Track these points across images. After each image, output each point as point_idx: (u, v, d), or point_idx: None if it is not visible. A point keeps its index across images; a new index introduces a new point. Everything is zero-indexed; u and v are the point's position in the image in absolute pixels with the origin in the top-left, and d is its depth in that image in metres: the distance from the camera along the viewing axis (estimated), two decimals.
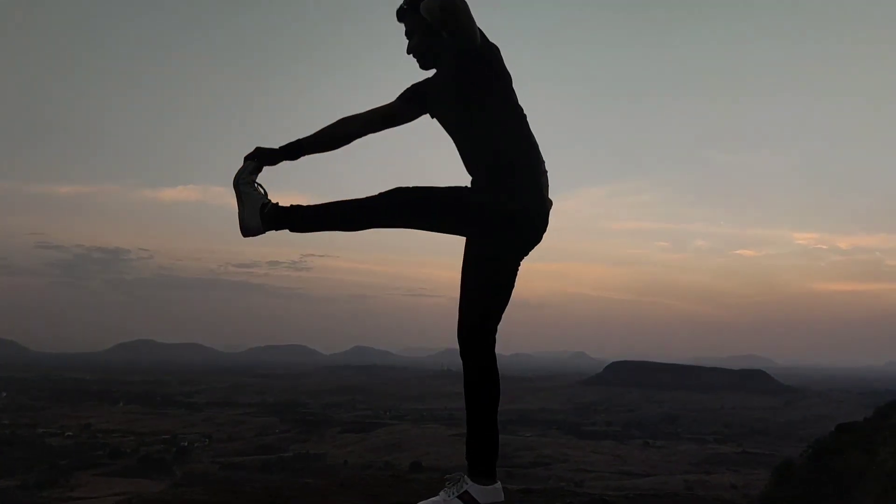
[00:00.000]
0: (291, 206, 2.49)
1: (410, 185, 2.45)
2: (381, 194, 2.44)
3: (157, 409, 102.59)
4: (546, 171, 2.57)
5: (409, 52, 2.57)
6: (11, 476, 54.76)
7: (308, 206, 2.49)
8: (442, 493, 2.41)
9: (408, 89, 2.65)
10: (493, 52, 2.46)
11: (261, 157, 2.54)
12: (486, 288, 2.44)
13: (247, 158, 2.55)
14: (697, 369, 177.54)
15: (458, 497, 2.36)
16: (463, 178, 2.55)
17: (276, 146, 2.57)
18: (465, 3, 2.25)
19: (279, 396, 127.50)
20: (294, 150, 2.57)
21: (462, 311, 2.46)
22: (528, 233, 2.46)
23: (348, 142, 2.62)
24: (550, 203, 2.56)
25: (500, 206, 2.38)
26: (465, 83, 2.47)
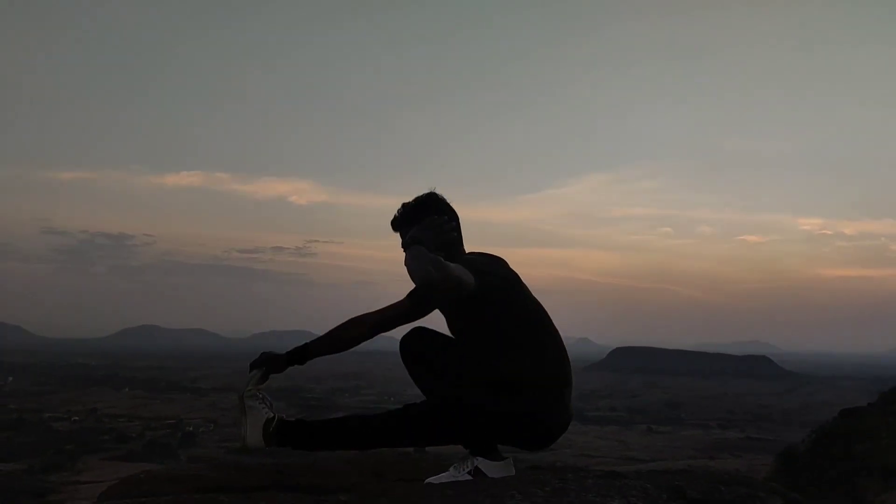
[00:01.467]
0: (297, 420, 2.47)
1: (420, 402, 2.41)
2: (390, 413, 2.42)
3: (163, 394, 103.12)
4: (570, 377, 2.45)
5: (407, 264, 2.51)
6: (18, 460, 55.14)
7: (313, 424, 2.48)
8: (451, 469, 2.40)
9: (419, 294, 2.45)
10: (492, 282, 2.35)
11: (267, 365, 2.53)
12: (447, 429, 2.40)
13: (252, 366, 2.53)
14: (701, 355, 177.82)
15: (468, 473, 2.35)
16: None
17: (283, 353, 2.54)
18: (444, 270, 2.13)
19: (283, 381, 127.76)
20: (300, 357, 2.53)
21: (417, 437, 2.41)
22: (545, 440, 2.42)
23: (356, 345, 2.53)
24: (572, 414, 2.45)
25: (518, 415, 2.30)
26: (460, 318, 2.45)
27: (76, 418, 78.88)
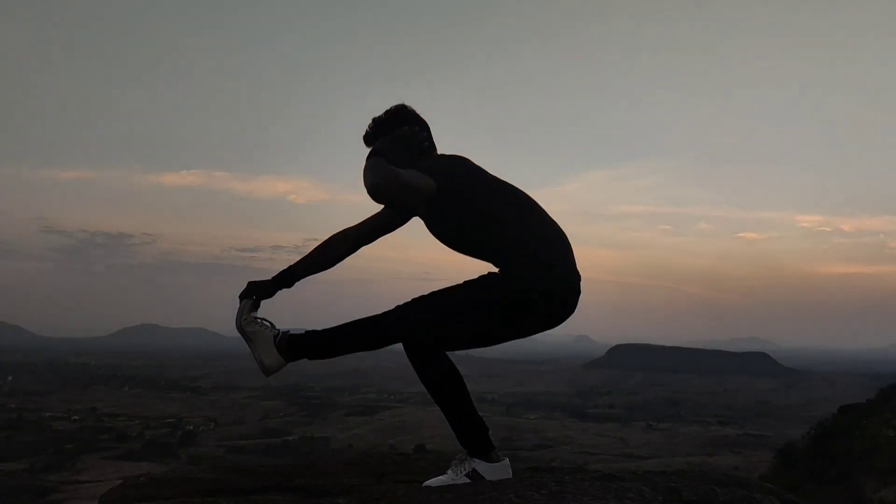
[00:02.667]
0: (306, 332, 2.45)
1: (427, 294, 2.38)
2: (398, 306, 2.38)
3: (162, 393, 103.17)
4: (568, 242, 2.44)
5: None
6: (18, 459, 55.18)
7: (324, 331, 2.44)
8: (449, 471, 2.40)
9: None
10: (454, 182, 2.36)
11: (255, 292, 2.48)
12: (481, 335, 2.38)
13: (241, 297, 2.47)
14: (700, 352, 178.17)
15: (466, 475, 2.36)
16: None
17: (269, 278, 2.50)
18: (396, 179, 2.17)
19: (283, 380, 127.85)
20: (287, 279, 2.50)
21: (427, 328, 2.34)
22: (558, 311, 2.37)
23: (341, 261, 2.56)
24: (578, 276, 2.42)
25: (528, 290, 2.29)
26: (436, 221, 2.45)
27: (76, 417, 78.93)
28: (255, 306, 2.47)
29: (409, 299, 2.39)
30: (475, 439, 2.39)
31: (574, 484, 1.96)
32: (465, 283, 2.36)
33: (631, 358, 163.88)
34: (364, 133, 2.55)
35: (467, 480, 2.34)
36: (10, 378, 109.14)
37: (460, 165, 2.44)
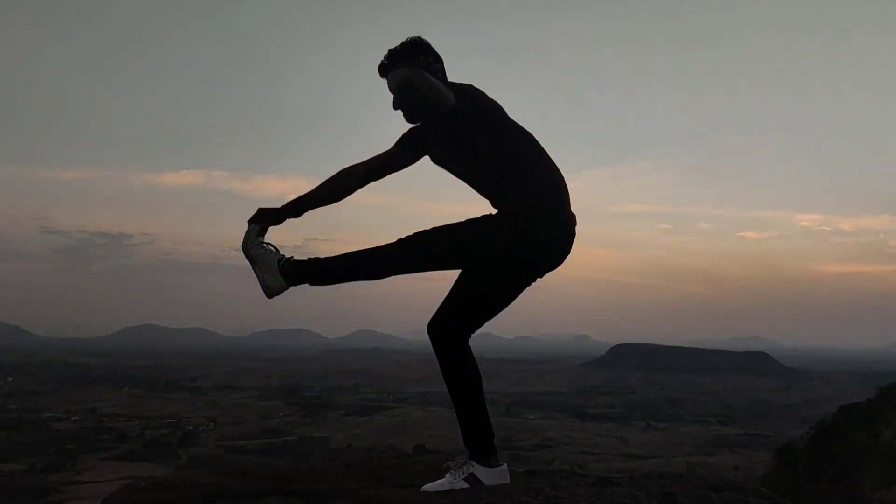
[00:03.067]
0: (309, 259, 2.46)
1: (430, 228, 2.42)
2: (399, 240, 2.41)
3: (162, 394, 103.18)
4: (565, 185, 2.49)
5: (395, 108, 2.56)
6: (19, 460, 55.21)
7: (326, 259, 2.46)
8: (448, 475, 2.42)
9: (406, 136, 2.60)
10: (471, 102, 2.43)
11: (264, 218, 2.50)
12: (487, 302, 2.43)
13: (250, 221, 2.49)
14: (700, 352, 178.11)
15: (465, 479, 2.38)
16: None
17: (278, 206, 2.52)
18: (424, 77, 2.26)
19: (283, 380, 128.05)
20: (296, 208, 2.53)
21: (445, 312, 2.43)
22: (555, 255, 2.42)
23: (349, 194, 2.58)
24: (574, 218, 2.47)
25: (525, 234, 2.34)
26: (448, 141, 2.49)
27: (76, 418, 78.95)
28: (263, 231, 2.49)
29: (412, 233, 2.44)
30: (479, 443, 2.42)
31: (570, 489, 1.99)
32: (468, 221, 2.39)
33: (631, 357, 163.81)
34: (379, 63, 2.58)
35: (465, 485, 2.36)
36: (10, 378, 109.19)
37: (480, 96, 2.49)
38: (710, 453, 62.03)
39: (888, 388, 36.18)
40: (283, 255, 2.44)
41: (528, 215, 2.34)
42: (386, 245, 2.42)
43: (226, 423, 79.93)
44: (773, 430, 73.68)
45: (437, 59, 2.57)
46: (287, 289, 2.44)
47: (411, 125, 2.59)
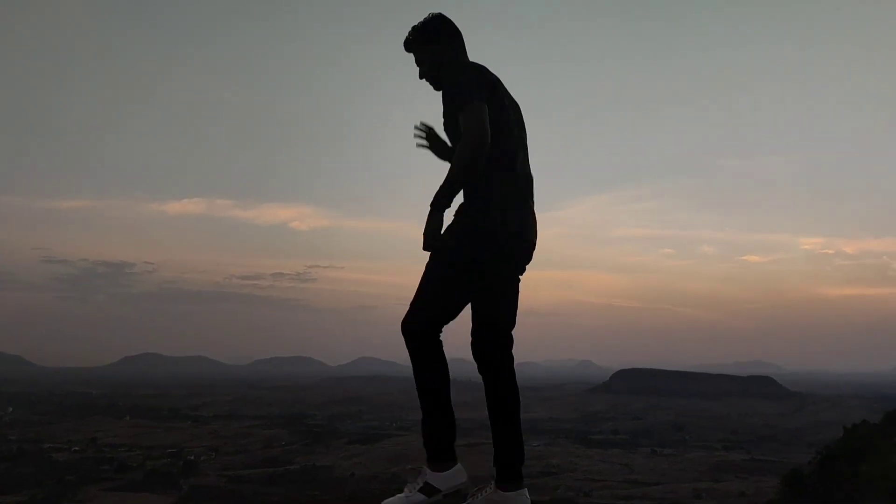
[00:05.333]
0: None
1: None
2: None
3: (164, 423, 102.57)
4: (531, 181, 2.68)
5: (421, 78, 2.77)
6: (19, 492, 54.72)
7: None
8: (406, 488, 2.44)
9: (480, 84, 2.63)
10: (490, 87, 2.61)
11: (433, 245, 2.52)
12: (497, 296, 2.51)
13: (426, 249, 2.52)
14: (704, 376, 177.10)
15: (420, 491, 2.39)
16: None
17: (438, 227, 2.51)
18: (481, 127, 2.44)
19: (285, 408, 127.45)
20: (445, 205, 2.52)
21: (412, 305, 2.54)
22: (516, 243, 2.53)
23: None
24: (534, 216, 2.62)
25: (488, 212, 2.47)
26: (447, 121, 2.66)
27: (77, 448, 78.39)
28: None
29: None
30: (433, 444, 2.43)
31: None
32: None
33: (635, 382, 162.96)
34: (404, 39, 2.75)
35: (422, 496, 2.36)
36: (10, 409, 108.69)
37: (489, 86, 2.61)
38: (717, 479, 61.44)
39: (894, 411, 35.93)
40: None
41: (492, 197, 2.49)
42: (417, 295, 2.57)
43: (228, 453, 79.37)
44: (779, 455, 73.06)
45: (453, 39, 2.73)
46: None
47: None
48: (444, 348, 2.52)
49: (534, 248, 2.58)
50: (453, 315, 2.51)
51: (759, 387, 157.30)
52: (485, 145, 2.45)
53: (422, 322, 2.47)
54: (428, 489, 2.37)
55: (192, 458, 74.37)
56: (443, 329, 2.52)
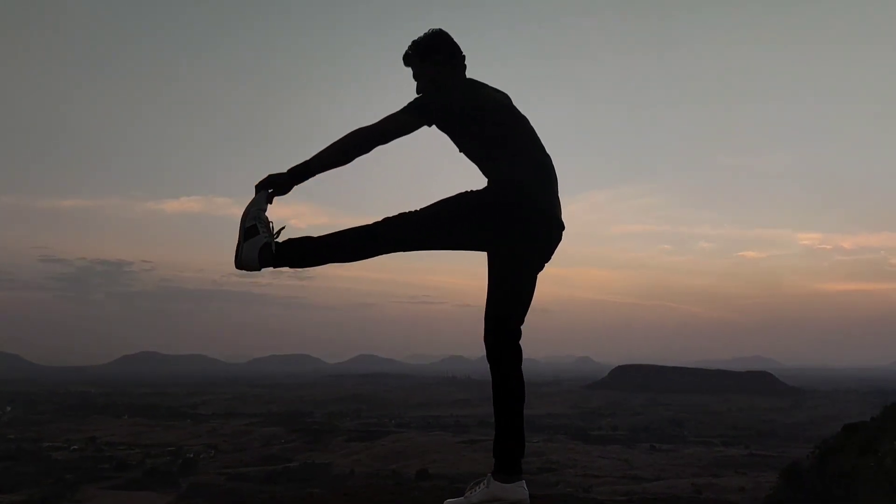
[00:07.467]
0: (289, 240, 2.46)
1: (415, 209, 2.53)
2: (385, 218, 2.48)
3: (163, 421, 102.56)
4: (554, 169, 2.70)
5: (418, 92, 2.74)
6: (17, 491, 54.69)
7: (307, 239, 2.47)
8: (466, 493, 2.49)
9: (418, 104, 2.61)
10: (475, 104, 2.60)
11: (272, 186, 2.48)
12: (506, 286, 2.50)
13: (257, 187, 2.48)
14: (703, 372, 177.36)
15: (482, 496, 2.43)
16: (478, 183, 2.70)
17: (285, 170, 2.50)
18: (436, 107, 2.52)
19: (284, 406, 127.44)
20: (302, 173, 2.51)
21: (409, 238, 2.53)
22: (541, 227, 2.51)
23: (356, 157, 2.56)
24: (559, 204, 2.60)
25: (509, 201, 2.44)
26: (452, 132, 2.66)
27: (75, 447, 78.33)
28: (269, 200, 2.47)
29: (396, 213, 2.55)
30: (504, 456, 2.43)
31: None
32: (453, 196, 2.55)
33: (633, 378, 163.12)
34: (404, 53, 2.75)
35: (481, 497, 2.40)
36: (8, 408, 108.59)
37: (482, 100, 2.63)
38: (716, 474, 61.46)
39: (893, 406, 35.96)
40: (273, 242, 2.41)
41: (519, 181, 2.49)
42: (376, 221, 2.49)
43: (227, 451, 79.34)
44: (778, 451, 73.10)
45: (453, 55, 2.73)
46: (258, 269, 2.44)
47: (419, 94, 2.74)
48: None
49: (562, 229, 2.58)
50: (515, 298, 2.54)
51: (757, 382, 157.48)
52: (371, 142, 2.49)
53: (508, 327, 2.51)
54: (490, 496, 2.41)
55: (191, 456, 74.34)
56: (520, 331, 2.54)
